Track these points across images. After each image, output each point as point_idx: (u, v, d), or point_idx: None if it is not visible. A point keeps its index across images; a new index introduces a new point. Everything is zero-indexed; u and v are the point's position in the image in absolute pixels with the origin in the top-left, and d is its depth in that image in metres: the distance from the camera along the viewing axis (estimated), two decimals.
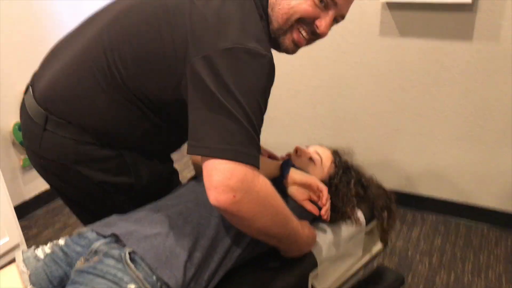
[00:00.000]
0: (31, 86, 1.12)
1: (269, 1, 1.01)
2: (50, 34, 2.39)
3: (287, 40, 1.05)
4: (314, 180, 1.15)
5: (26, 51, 2.29)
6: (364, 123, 2.30)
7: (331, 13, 1.01)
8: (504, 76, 1.91)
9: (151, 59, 0.96)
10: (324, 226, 1.24)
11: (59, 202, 2.53)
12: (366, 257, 1.41)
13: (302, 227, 1.06)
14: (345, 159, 1.32)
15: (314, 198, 1.15)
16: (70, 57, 1.06)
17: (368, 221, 1.34)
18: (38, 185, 2.46)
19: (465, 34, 1.93)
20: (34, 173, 2.42)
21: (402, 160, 2.28)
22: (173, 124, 1.09)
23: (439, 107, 2.10)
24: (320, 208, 1.15)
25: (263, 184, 0.91)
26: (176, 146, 1.19)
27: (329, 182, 1.23)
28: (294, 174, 1.15)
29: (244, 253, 1.02)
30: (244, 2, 0.95)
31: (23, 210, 2.40)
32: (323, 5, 1.00)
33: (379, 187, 1.37)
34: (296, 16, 1.00)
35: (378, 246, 1.44)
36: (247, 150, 0.88)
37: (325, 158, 1.28)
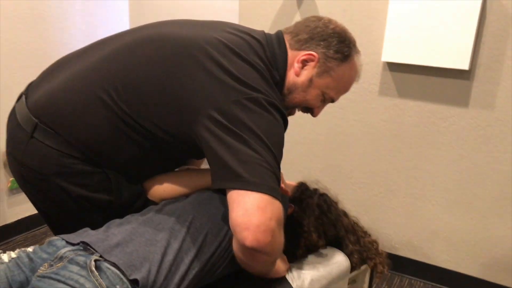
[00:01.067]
0: (24, 95, 1.14)
1: (286, 83, 1.14)
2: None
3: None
4: None
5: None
6: (359, 181, 2.30)
7: (326, 103, 1.22)
8: (498, 144, 1.94)
9: (162, 98, 1.01)
10: (311, 261, 1.23)
11: (40, 230, 2.47)
12: None
13: (282, 260, 1.05)
14: (311, 186, 1.35)
15: None
16: (74, 73, 1.09)
17: (353, 269, 1.31)
18: (21, 210, 2.42)
19: (462, 100, 1.98)
20: (19, 197, 2.38)
21: (395, 221, 2.25)
22: (164, 155, 1.11)
23: (434, 171, 2.11)
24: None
25: (282, 224, 0.95)
26: (160, 172, 1.20)
27: (295, 202, 1.28)
28: None
29: (213, 258, 1.00)
30: (263, 74, 1.04)
31: (2, 234, 2.34)
32: (325, 100, 1.20)
33: (362, 231, 1.36)
34: (304, 105, 1.19)
35: None
36: (277, 188, 0.93)
37: (289, 182, 1.34)
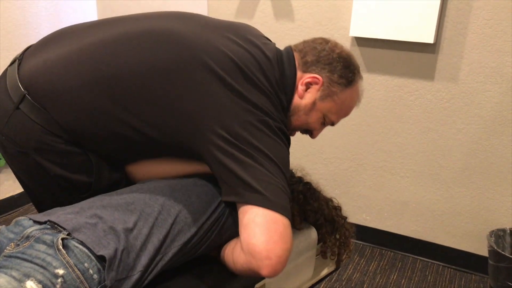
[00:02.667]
0: (19, 59, 1.08)
1: (292, 105, 1.13)
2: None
3: None
4: None
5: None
6: (329, 156, 2.34)
7: (326, 125, 1.23)
8: (462, 116, 1.99)
9: (163, 102, 0.99)
10: None
11: (12, 215, 2.44)
12: (315, 279, 1.40)
13: None
14: (296, 173, 1.36)
15: None
16: (74, 50, 1.04)
17: (320, 241, 1.34)
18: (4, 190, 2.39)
19: (427, 73, 2.01)
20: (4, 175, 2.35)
21: (365, 194, 2.31)
22: (153, 151, 1.10)
23: (402, 144, 2.16)
24: None
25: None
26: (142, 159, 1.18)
27: None
28: None
29: (190, 244, 1.00)
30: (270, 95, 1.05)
31: None
32: (325, 123, 1.20)
33: (333, 207, 1.38)
34: (305, 128, 1.20)
35: (329, 269, 1.43)
36: (286, 204, 0.96)
37: None
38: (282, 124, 1.05)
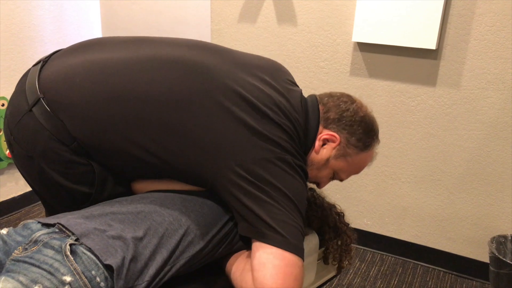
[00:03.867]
0: (44, 61, 1.08)
1: (308, 158, 1.13)
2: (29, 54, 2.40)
3: None
4: None
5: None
6: None
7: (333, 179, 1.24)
8: (464, 122, 2.00)
9: (179, 135, 0.99)
10: None
11: (14, 216, 2.45)
12: (316, 284, 1.40)
13: None
14: None
15: None
16: (98, 63, 1.03)
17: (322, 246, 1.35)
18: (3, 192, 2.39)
19: (429, 79, 2.02)
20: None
21: (366, 199, 2.31)
22: (162, 175, 1.09)
23: (403, 149, 2.16)
24: None
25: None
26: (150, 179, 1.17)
27: None
28: None
29: (198, 258, 0.99)
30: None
31: None
32: (333, 178, 1.22)
33: (336, 213, 1.38)
34: (314, 181, 1.22)
35: (330, 274, 1.43)
36: (302, 245, 0.97)
37: None
38: (302, 162, 1.04)
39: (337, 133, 1.12)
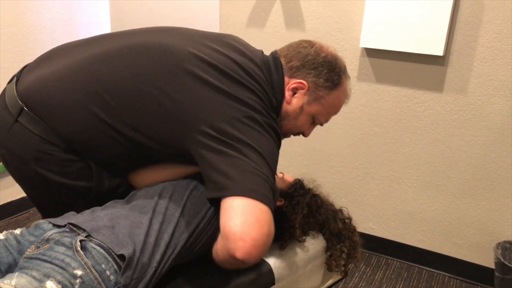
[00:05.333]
0: (16, 77, 1.14)
1: (282, 110, 1.15)
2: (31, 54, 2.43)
3: None
4: None
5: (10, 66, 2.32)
6: (337, 165, 2.36)
7: (315, 125, 1.24)
8: (470, 128, 2.01)
9: (150, 109, 1.02)
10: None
11: (23, 216, 2.48)
12: (323, 287, 1.41)
13: None
14: (307, 185, 1.37)
15: None
16: (67, 65, 1.08)
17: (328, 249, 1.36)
18: (4, 196, 2.42)
19: (436, 85, 2.03)
20: (1, 183, 2.38)
21: (372, 203, 2.32)
22: (150, 159, 1.12)
23: (410, 154, 2.17)
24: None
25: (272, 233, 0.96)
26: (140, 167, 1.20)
27: (287, 197, 1.30)
28: None
29: (192, 238, 1.03)
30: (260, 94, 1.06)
31: None
32: (314, 123, 1.22)
33: (341, 219, 1.39)
34: (295, 131, 1.22)
35: (335, 277, 1.45)
36: (270, 195, 0.95)
37: (287, 176, 1.37)
38: (272, 120, 1.05)
39: (304, 79, 1.13)
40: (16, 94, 1.08)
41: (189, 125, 1.00)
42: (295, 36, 2.26)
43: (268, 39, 2.34)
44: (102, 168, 1.11)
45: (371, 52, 2.13)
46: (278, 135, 1.07)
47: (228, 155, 0.95)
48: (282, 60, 1.16)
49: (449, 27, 1.90)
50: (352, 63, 2.19)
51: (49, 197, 1.14)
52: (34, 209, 2.55)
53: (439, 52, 1.92)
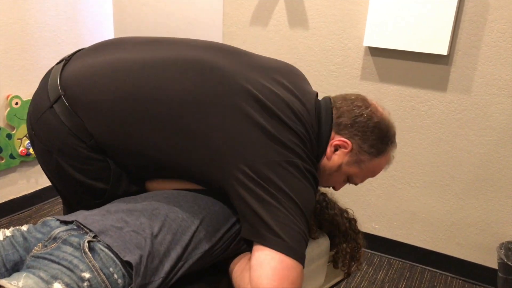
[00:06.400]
0: (66, 60, 1.12)
1: (320, 164, 1.12)
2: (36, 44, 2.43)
3: None
4: None
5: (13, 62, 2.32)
6: None
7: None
8: (474, 128, 2.00)
9: (190, 133, 1.00)
10: None
11: (24, 213, 2.48)
12: (325, 287, 1.41)
13: None
14: None
15: None
16: (121, 63, 1.05)
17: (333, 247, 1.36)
18: (5, 193, 2.42)
19: (440, 84, 2.03)
20: (3, 180, 2.38)
21: (375, 203, 2.31)
22: (177, 173, 1.10)
23: (413, 154, 2.16)
24: None
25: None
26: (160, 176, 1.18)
27: None
28: None
29: (207, 255, 1.00)
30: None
31: None
32: (348, 181, 1.20)
33: (348, 218, 1.39)
34: (327, 186, 1.21)
35: (338, 278, 1.44)
36: (303, 250, 0.95)
37: None
38: (312, 167, 1.03)
39: (349, 139, 1.09)
40: (59, 79, 1.06)
41: (229, 159, 0.97)
42: (299, 35, 2.26)
43: (271, 37, 2.33)
44: (123, 172, 1.09)
45: (374, 51, 2.12)
46: (316, 182, 1.04)
47: (267, 202, 0.94)
48: (334, 112, 1.11)
49: (453, 26, 1.89)
50: (355, 62, 2.18)
51: (68, 188, 1.14)
52: (36, 207, 2.55)
53: (443, 51, 1.91)
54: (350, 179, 1.18)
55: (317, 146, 1.08)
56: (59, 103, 1.04)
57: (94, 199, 1.11)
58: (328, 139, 1.09)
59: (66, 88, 1.05)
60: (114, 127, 1.03)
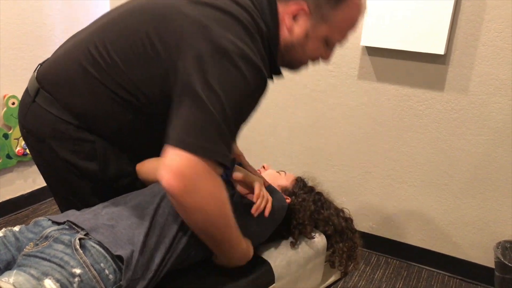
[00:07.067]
0: (40, 64, 1.22)
1: (281, 41, 1.04)
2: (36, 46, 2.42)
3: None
4: (251, 178, 1.18)
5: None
6: (338, 163, 2.35)
7: (333, 46, 1.10)
8: (471, 127, 2.00)
9: (138, 53, 1.01)
10: (286, 244, 1.26)
11: (22, 213, 2.48)
12: (323, 286, 1.41)
13: (240, 240, 1.06)
14: (309, 183, 1.38)
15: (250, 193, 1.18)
16: (73, 43, 1.15)
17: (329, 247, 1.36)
18: (3, 193, 2.41)
19: (437, 84, 2.03)
20: (0, 180, 2.38)
21: (371, 202, 2.32)
22: (153, 125, 1.11)
23: (410, 153, 2.17)
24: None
25: (217, 185, 0.93)
26: (150, 151, 1.18)
27: (292, 194, 1.31)
28: (237, 173, 1.19)
29: (191, 242, 1.02)
30: (246, 27, 0.96)
31: None
32: (328, 45, 1.08)
33: (344, 218, 1.39)
34: (308, 59, 1.10)
35: (336, 276, 1.45)
36: (214, 146, 0.90)
37: (289, 174, 1.38)
38: (251, 52, 0.94)
39: (302, 1, 1.00)
40: (35, 77, 1.16)
41: (179, 54, 0.94)
42: None
43: None
44: (110, 149, 1.13)
45: (372, 51, 2.12)
46: (255, 68, 0.94)
47: (186, 100, 0.91)
48: None
49: (450, 26, 1.90)
50: (353, 62, 2.18)
51: (61, 177, 1.17)
52: (33, 207, 2.55)
53: (440, 50, 1.91)
54: (329, 42, 1.07)
55: (263, 22, 1.00)
56: (39, 95, 1.12)
57: (89, 181, 1.14)
58: (276, 15, 1.02)
59: (42, 80, 1.14)
60: (85, 95, 1.08)
